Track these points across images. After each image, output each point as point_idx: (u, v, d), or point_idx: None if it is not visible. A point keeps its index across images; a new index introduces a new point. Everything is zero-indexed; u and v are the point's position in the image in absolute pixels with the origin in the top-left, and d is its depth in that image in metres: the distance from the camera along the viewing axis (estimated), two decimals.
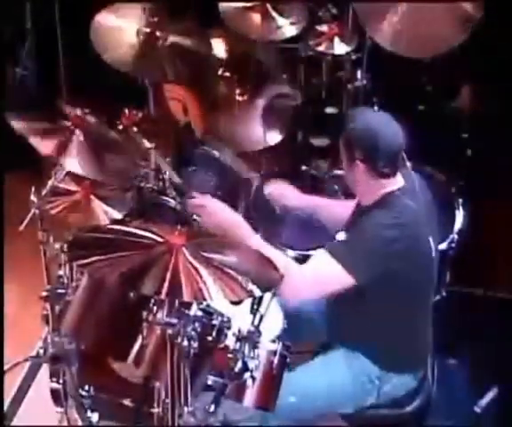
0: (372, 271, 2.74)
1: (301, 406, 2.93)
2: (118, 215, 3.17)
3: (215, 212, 2.96)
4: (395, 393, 2.98)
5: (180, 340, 2.43)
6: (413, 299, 2.84)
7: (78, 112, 2.90)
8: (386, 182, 2.83)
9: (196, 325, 2.54)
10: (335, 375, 2.95)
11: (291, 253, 3.43)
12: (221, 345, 2.66)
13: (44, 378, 3.41)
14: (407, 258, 2.76)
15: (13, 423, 3.53)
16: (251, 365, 2.65)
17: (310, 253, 3.42)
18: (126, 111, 3.68)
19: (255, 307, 2.69)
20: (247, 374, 2.65)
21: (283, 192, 3.37)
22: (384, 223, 2.76)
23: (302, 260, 3.38)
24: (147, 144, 3.37)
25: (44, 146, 2.79)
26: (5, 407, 3.50)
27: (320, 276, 2.79)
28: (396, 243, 2.74)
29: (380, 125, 2.81)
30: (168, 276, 2.25)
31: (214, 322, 2.64)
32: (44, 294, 3.01)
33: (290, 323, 2.94)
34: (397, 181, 2.85)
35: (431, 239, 2.91)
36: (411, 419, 3.04)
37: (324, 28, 3.90)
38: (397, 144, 2.81)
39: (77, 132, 2.89)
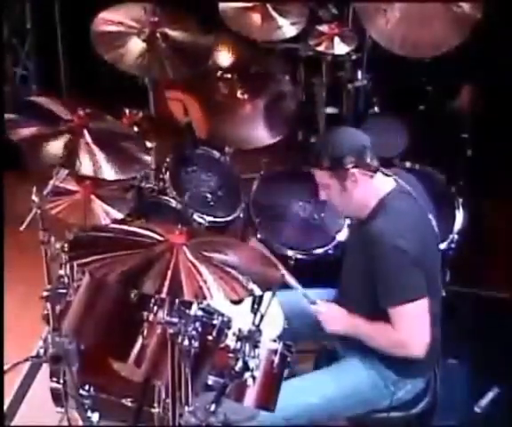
0: (422, 277, 2.78)
1: (321, 407, 2.93)
2: (119, 215, 3.17)
3: (335, 317, 2.96)
4: (406, 397, 2.99)
5: (180, 339, 2.43)
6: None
7: (80, 112, 2.88)
8: (380, 185, 2.86)
9: (197, 324, 2.53)
10: (354, 381, 2.95)
11: (291, 252, 3.44)
12: (222, 345, 2.66)
13: (44, 378, 3.41)
14: (420, 256, 2.78)
15: (13, 423, 3.53)
16: (251, 364, 2.64)
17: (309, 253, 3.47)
18: (126, 111, 3.68)
19: (256, 306, 2.69)
20: (248, 374, 2.65)
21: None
22: (392, 233, 2.76)
23: (302, 260, 3.43)
24: (147, 144, 3.37)
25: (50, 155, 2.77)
26: (5, 407, 3.50)
27: (417, 325, 2.81)
28: (410, 244, 2.76)
29: (347, 132, 2.95)
30: (169, 275, 2.25)
31: (215, 322, 2.64)
32: (45, 293, 3.01)
33: (290, 322, 2.94)
34: (388, 184, 2.88)
35: (435, 227, 2.92)
36: (417, 420, 3.04)
37: (324, 28, 3.90)
38: (367, 137, 2.88)
39: (84, 132, 2.86)
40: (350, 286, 3.00)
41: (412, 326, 2.80)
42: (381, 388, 2.94)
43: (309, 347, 3.26)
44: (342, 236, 3.45)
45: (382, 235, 2.76)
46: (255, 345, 2.67)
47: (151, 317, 2.59)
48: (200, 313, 2.61)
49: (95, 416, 3.06)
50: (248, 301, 2.67)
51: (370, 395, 2.95)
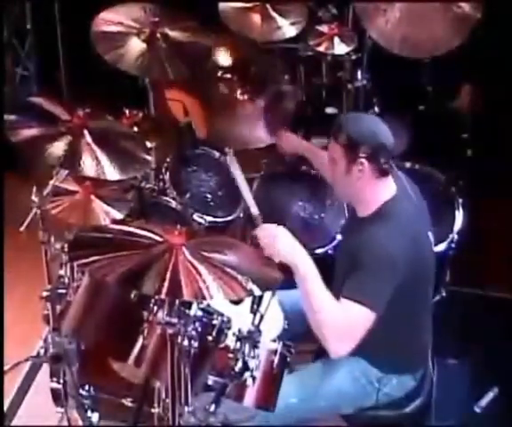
0: (388, 295, 2.74)
1: (302, 407, 2.92)
2: (119, 215, 3.17)
3: (274, 236, 2.76)
4: (394, 394, 2.98)
5: (180, 340, 2.43)
6: (414, 300, 2.83)
7: (80, 112, 2.89)
8: (384, 189, 2.85)
9: (197, 324, 2.54)
10: (336, 378, 2.94)
11: None
12: (222, 345, 2.66)
13: (44, 378, 3.42)
14: (413, 263, 2.77)
15: (13, 423, 3.53)
16: (251, 364, 2.65)
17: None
18: (126, 111, 3.69)
19: (255, 306, 2.69)
20: (247, 374, 2.65)
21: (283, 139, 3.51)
22: (388, 240, 2.74)
23: None
24: (147, 144, 3.37)
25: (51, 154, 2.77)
26: (5, 407, 3.50)
27: (351, 326, 2.74)
28: (402, 255, 2.74)
29: (378, 124, 2.88)
30: (168, 275, 2.26)
31: (214, 322, 2.64)
32: (45, 293, 3.02)
33: (290, 322, 2.94)
34: (392, 189, 2.87)
35: (430, 236, 2.92)
36: (410, 419, 3.04)
37: (324, 28, 3.89)
38: (393, 141, 2.85)
39: (85, 132, 2.86)
40: (336, 283, 3.00)
41: (348, 325, 2.73)
42: (364, 384, 2.93)
43: (309, 347, 3.26)
44: (341, 237, 3.45)
45: (377, 240, 2.75)
46: (255, 345, 2.67)
47: (151, 317, 2.59)
48: (200, 313, 2.61)
49: (95, 416, 3.07)
50: (248, 301, 2.67)
51: (353, 393, 2.95)
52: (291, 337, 2.86)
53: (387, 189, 2.85)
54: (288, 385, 2.80)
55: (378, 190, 2.85)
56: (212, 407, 2.63)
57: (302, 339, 3.09)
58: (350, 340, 2.73)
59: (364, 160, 2.79)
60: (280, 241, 2.73)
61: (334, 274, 3.01)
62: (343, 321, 2.72)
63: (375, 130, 2.83)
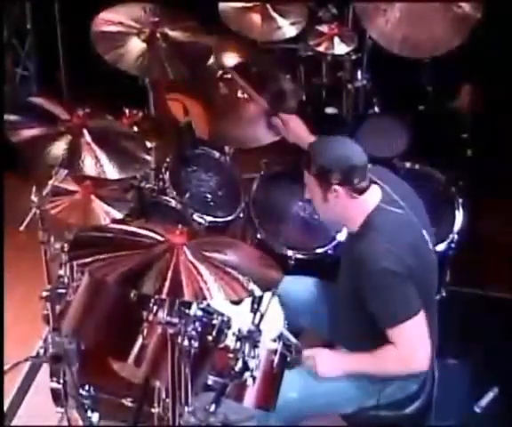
0: (412, 289, 2.78)
1: (302, 402, 2.93)
2: (119, 215, 3.17)
3: (323, 360, 2.94)
4: (395, 396, 2.98)
5: (180, 339, 2.43)
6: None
7: (80, 112, 2.89)
8: (366, 202, 2.85)
9: (197, 324, 2.54)
10: (337, 378, 2.94)
11: (290, 252, 3.44)
12: (222, 345, 2.66)
13: (44, 378, 3.42)
14: (412, 267, 2.78)
15: (13, 423, 3.53)
16: (251, 364, 2.65)
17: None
18: (126, 111, 3.68)
19: (255, 306, 2.69)
20: (247, 374, 2.65)
21: (291, 124, 3.48)
22: (379, 251, 2.76)
23: (302, 260, 3.43)
24: (147, 144, 3.37)
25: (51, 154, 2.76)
26: (5, 407, 3.50)
27: (414, 343, 2.82)
28: (398, 260, 2.75)
29: (347, 146, 2.88)
30: (169, 275, 2.26)
31: (215, 322, 2.64)
32: (45, 293, 3.02)
33: (290, 321, 2.95)
34: (375, 198, 2.87)
35: (425, 234, 2.92)
36: (410, 420, 3.04)
37: (324, 28, 3.90)
38: (364, 158, 2.85)
39: (84, 131, 2.86)
40: (340, 281, 3.00)
41: (412, 343, 2.81)
42: (366, 384, 2.93)
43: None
44: (342, 236, 3.45)
45: (369, 257, 2.77)
46: (255, 345, 2.67)
47: (151, 317, 2.59)
48: (200, 313, 2.61)
49: (95, 416, 3.07)
50: (248, 300, 2.67)
51: (354, 392, 2.95)
52: (295, 328, 2.89)
53: (368, 201, 2.86)
54: (289, 379, 2.81)
55: (359, 206, 2.85)
56: (212, 407, 2.62)
57: (305, 326, 3.12)
58: (424, 351, 2.82)
59: (337, 187, 2.82)
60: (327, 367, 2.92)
61: (339, 272, 3.04)
62: (406, 349, 2.80)
63: (344, 153, 2.84)
